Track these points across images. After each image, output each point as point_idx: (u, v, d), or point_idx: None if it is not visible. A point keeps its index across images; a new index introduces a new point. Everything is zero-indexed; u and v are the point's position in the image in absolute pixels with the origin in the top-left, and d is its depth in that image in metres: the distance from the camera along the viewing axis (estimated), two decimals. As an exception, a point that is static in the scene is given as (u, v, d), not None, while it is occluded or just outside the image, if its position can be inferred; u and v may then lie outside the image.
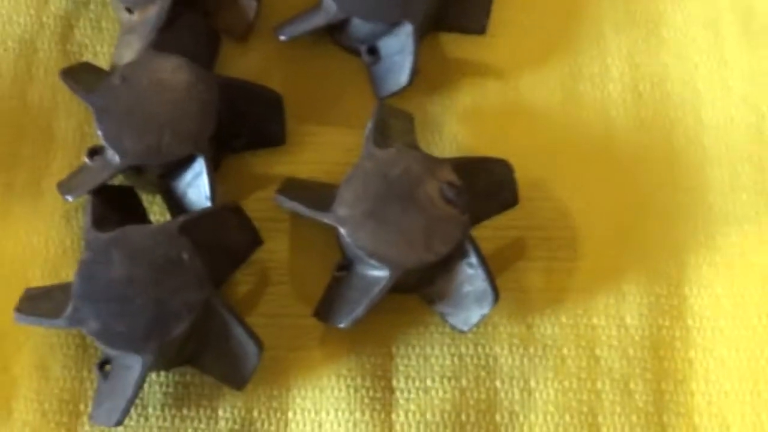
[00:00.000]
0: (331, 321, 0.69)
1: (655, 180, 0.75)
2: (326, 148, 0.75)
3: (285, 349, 0.71)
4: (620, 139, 0.76)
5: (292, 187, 0.72)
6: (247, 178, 0.75)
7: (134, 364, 0.64)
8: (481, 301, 0.68)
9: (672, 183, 0.75)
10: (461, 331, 0.69)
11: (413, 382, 0.71)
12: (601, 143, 0.76)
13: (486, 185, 0.71)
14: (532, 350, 0.71)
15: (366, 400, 0.70)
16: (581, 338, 0.71)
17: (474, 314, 0.69)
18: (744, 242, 0.74)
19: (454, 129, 0.76)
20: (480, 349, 0.71)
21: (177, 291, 0.65)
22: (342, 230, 0.67)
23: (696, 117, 0.77)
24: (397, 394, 0.70)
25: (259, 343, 0.66)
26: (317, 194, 0.71)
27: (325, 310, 0.70)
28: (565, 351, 0.71)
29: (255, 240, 0.71)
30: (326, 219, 0.68)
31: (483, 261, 0.68)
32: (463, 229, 0.67)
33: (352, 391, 0.70)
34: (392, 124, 0.72)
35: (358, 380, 0.70)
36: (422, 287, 0.71)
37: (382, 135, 0.71)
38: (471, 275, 0.68)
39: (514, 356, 0.71)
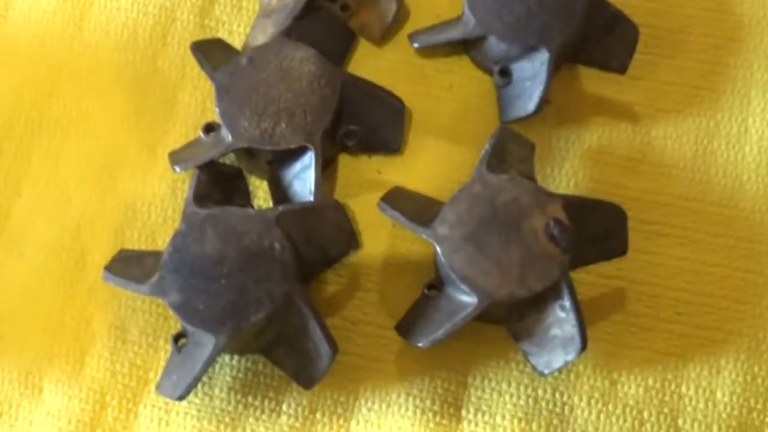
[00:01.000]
0: (411, 338, 0.67)
1: (777, 255, 0.71)
2: (441, 163, 0.74)
3: (360, 356, 0.70)
4: (748, 205, 0.72)
5: (398, 197, 0.71)
6: (358, 180, 0.74)
7: (207, 342, 0.64)
8: (567, 346, 0.65)
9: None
10: (541, 374, 0.66)
11: (483, 415, 0.68)
12: (728, 206, 0.72)
13: (595, 229, 0.68)
14: (611, 407, 0.68)
15: (431, 425, 0.68)
16: (665, 405, 0.68)
17: (557, 359, 0.66)
18: None
19: (575, 166, 0.73)
20: (558, 395, 0.68)
21: (262, 279, 0.64)
22: (438, 249, 0.66)
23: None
24: (464, 424, 0.68)
25: (334, 347, 0.65)
26: (422, 208, 0.69)
27: (407, 326, 0.68)
28: (645, 415, 0.67)
29: (352, 242, 0.71)
30: (425, 234, 0.66)
31: (576, 305, 0.65)
32: (561, 269, 0.65)
33: (419, 412, 0.69)
34: (511, 150, 0.70)
35: (428, 402, 0.69)
36: (510, 321, 0.68)
37: (497, 159, 0.69)
38: (561, 318, 0.66)
39: (591, 410, 0.68)
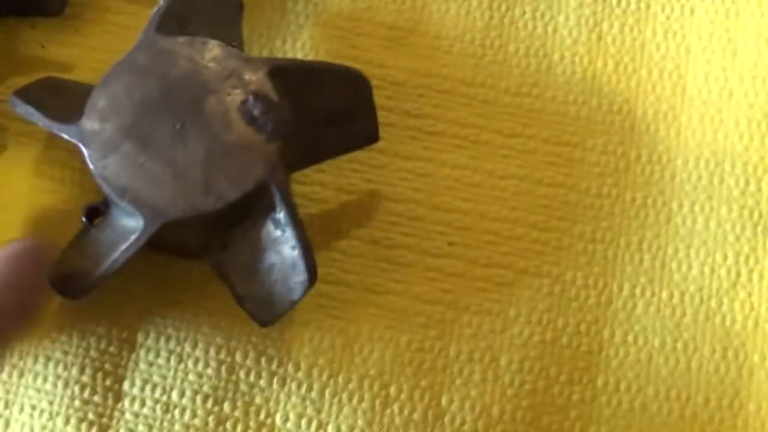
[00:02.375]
0: (63, 291, 0.44)
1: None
2: (123, 30, 0.51)
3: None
4: (558, 94, 0.51)
5: (43, 88, 0.48)
6: (11, 55, 0.51)
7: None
8: (289, 279, 0.44)
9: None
10: (261, 324, 0.45)
11: (153, 390, 0.46)
12: (530, 95, 0.51)
13: (325, 105, 0.46)
14: (341, 380, 0.46)
15: (77, 403, 0.46)
16: (424, 375, 0.45)
17: (279, 299, 0.44)
18: None
19: (316, 37, 0.51)
20: (268, 361, 0.46)
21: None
22: (84, 151, 0.44)
23: None
24: (125, 403, 0.46)
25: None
26: (72, 101, 0.46)
27: (62, 272, 0.45)
28: (392, 391, 0.45)
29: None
30: (65, 133, 0.45)
31: (295, 217, 0.44)
32: (268, 166, 0.44)
33: (60, 384, 0.47)
34: (201, 6, 0.48)
35: (74, 371, 0.46)
36: (209, 251, 0.46)
37: (178, 19, 0.47)
38: (277, 239, 0.44)
39: (312, 384, 0.45)
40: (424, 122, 0.50)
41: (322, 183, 0.49)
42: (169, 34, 0.46)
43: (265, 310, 0.45)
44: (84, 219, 0.45)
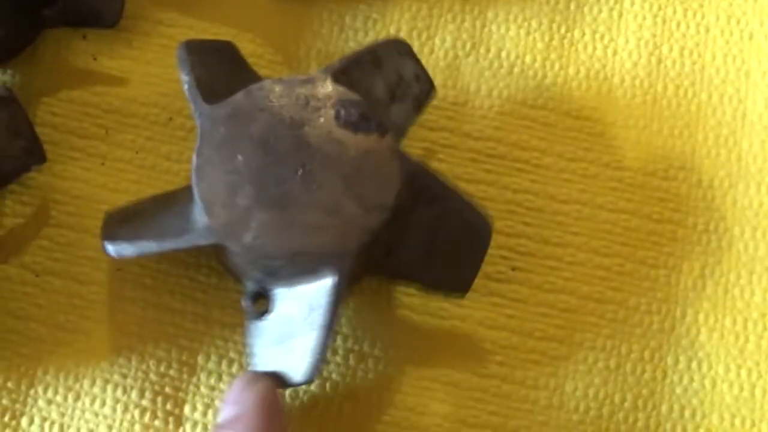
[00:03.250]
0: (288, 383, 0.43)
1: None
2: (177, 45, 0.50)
3: (42, 323, 0.47)
4: (618, 119, 0.50)
5: (122, 220, 0.46)
6: (62, 67, 0.50)
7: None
8: (470, 236, 0.45)
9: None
10: (462, 292, 0.46)
11: (213, 415, 0.45)
12: (590, 118, 0.50)
13: (387, 82, 0.46)
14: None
15: (137, 428, 0.45)
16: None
17: (468, 262, 0.45)
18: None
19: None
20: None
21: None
22: (230, 245, 0.42)
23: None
24: (186, 428, 0.45)
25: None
26: (161, 213, 0.45)
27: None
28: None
29: (34, 153, 0.46)
30: (198, 241, 0.42)
31: (451, 186, 0.45)
32: (399, 156, 0.43)
33: (120, 408, 0.46)
34: (211, 65, 0.46)
35: (133, 395, 0.46)
36: (371, 267, 0.46)
37: (208, 85, 0.45)
38: (439, 215, 0.44)
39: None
40: (485, 144, 0.49)
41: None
42: (214, 99, 0.44)
43: (455, 280, 0.45)
44: (245, 306, 0.44)
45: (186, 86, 0.44)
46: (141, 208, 0.45)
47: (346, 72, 0.44)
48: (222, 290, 0.47)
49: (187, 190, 0.43)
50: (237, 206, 0.41)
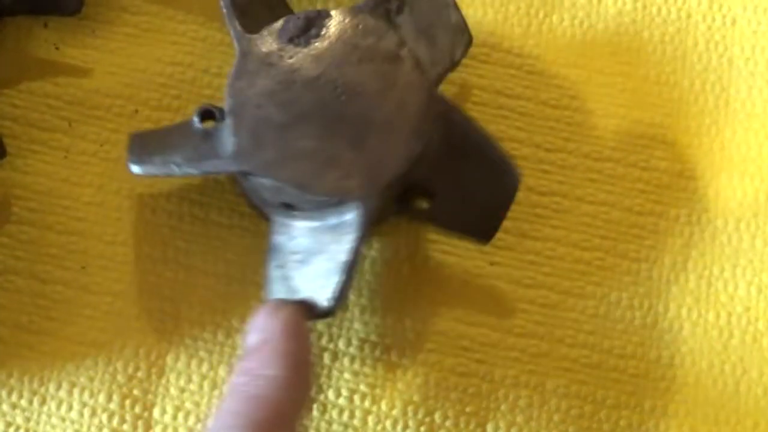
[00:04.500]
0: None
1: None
2: (143, 33, 0.48)
3: (3, 324, 0.45)
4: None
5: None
6: (22, 57, 0.48)
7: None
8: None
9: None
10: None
11: (183, 417, 0.43)
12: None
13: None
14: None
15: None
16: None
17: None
18: None
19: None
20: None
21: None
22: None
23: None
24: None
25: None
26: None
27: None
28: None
29: (-8, 147, 0.45)
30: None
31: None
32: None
33: (87, 413, 0.44)
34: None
35: (101, 398, 0.44)
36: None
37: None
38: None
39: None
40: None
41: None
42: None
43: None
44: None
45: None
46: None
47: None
48: (191, 287, 0.45)
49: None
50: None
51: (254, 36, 0.42)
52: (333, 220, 0.41)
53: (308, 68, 0.41)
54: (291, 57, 0.42)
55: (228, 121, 0.41)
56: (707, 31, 0.51)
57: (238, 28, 0.42)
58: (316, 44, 0.42)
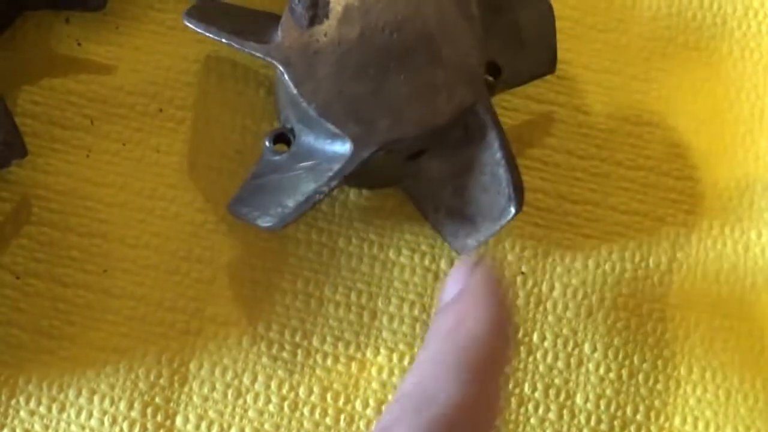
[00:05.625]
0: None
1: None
2: (168, 30, 0.47)
3: (23, 329, 0.44)
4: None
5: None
6: (43, 53, 0.47)
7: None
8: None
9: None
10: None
11: (207, 427, 0.42)
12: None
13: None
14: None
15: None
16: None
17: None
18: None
19: None
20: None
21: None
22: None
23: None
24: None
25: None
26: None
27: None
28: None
29: (14, 145, 0.43)
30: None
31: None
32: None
33: (108, 420, 0.42)
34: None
35: (122, 406, 0.43)
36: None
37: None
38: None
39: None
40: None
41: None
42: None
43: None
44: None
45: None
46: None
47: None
48: (216, 287, 0.44)
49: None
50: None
51: (274, 44, 0.41)
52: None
53: (347, 30, 0.41)
54: (325, 34, 0.41)
55: (330, 126, 0.40)
56: (742, 38, 0.50)
57: (259, 45, 0.42)
58: (334, 7, 0.41)
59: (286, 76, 0.41)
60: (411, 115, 0.41)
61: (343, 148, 0.41)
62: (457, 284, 0.38)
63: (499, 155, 0.41)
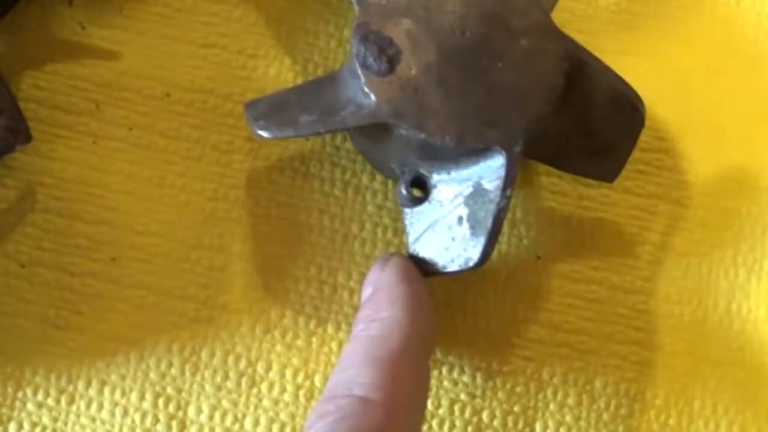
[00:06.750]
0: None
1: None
2: (174, 13, 0.46)
3: (31, 320, 0.43)
4: None
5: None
6: (47, 36, 0.46)
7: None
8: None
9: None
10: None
11: (220, 417, 0.41)
12: None
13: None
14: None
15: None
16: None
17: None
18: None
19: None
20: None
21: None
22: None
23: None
24: (192, 432, 0.41)
25: None
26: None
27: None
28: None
29: (18, 131, 0.42)
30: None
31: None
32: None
33: (119, 412, 0.41)
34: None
35: (134, 397, 0.41)
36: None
37: None
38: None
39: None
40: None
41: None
42: None
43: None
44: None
45: None
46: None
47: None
48: (228, 274, 0.43)
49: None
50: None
51: (373, 105, 0.40)
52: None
53: (425, 53, 0.40)
54: (410, 68, 0.40)
55: (473, 147, 0.40)
56: (756, 19, 0.49)
57: (358, 114, 0.40)
58: (399, 41, 0.40)
59: (402, 128, 0.39)
60: (530, 91, 0.40)
61: (492, 159, 0.40)
62: (370, 285, 0.40)
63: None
